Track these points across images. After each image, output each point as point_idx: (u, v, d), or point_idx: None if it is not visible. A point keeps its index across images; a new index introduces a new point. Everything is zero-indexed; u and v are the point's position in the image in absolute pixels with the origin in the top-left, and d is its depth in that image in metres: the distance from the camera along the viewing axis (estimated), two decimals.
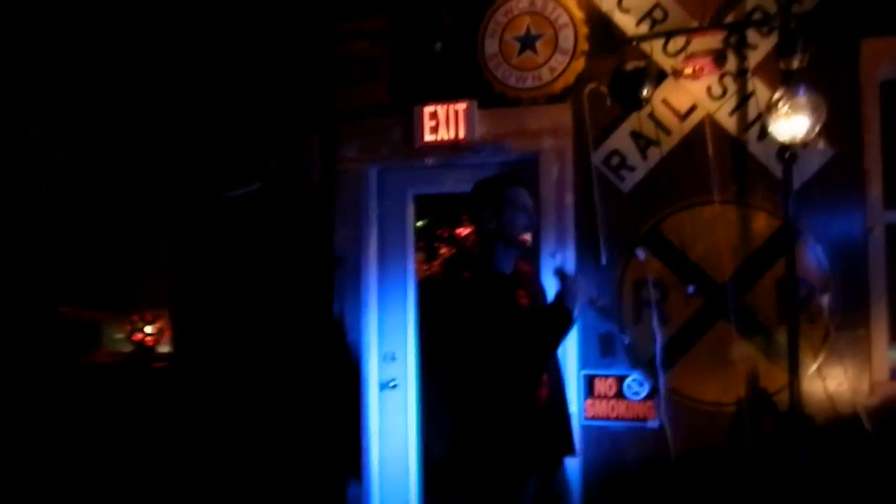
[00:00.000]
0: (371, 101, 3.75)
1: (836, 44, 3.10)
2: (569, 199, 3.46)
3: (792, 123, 2.71)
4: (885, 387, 3.08)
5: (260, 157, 3.89)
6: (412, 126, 3.63)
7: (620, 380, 3.39)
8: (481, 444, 2.55)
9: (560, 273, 2.65)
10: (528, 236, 2.65)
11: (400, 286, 3.85)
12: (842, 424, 3.06)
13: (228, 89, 3.97)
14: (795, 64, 2.76)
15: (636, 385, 3.38)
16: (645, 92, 3.13)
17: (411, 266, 3.89)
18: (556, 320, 2.56)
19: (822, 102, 2.70)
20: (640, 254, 3.33)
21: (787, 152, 2.97)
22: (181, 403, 3.95)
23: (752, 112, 3.25)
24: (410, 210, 3.89)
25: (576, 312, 2.56)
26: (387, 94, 3.73)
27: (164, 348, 4.40)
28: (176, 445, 3.92)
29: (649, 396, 3.35)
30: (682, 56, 3.30)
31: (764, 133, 3.23)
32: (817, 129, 2.73)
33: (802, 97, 2.68)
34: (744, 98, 3.26)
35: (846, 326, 3.12)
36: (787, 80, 2.81)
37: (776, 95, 2.75)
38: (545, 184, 3.50)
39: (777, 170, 3.21)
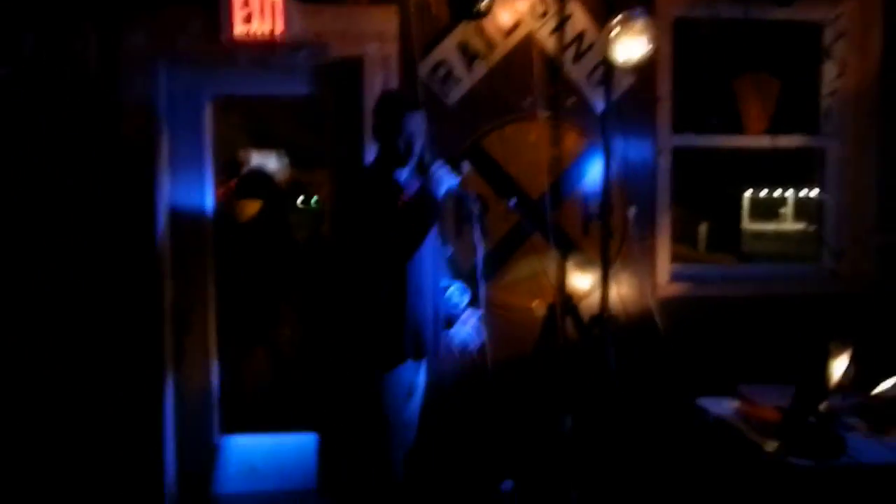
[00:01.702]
0: None
1: None
2: None
3: (629, 46, 2.90)
4: (667, 288, 3.57)
5: (8, 37, 3.11)
6: (218, 14, 3.17)
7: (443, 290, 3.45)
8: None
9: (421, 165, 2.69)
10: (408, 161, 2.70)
11: (194, 198, 3.44)
12: (634, 322, 3.50)
13: None
14: None
15: (458, 294, 3.46)
16: (483, 4, 3.10)
17: (208, 179, 3.49)
18: (422, 208, 2.58)
19: (654, 28, 2.92)
20: (464, 167, 3.37)
21: (604, 74, 3.21)
22: None
23: (569, 34, 3.42)
24: (207, 113, 3.45)
25: (439, 196, 2.61)
26: None
27: None
28: None
29: (470, 306, 3.48)
30: None
31: (579, 55, 3.45)
32: (651, 52, 2.95)
33: (640, 21, 2.87)
34: (563, 19, 3.41)
35: (638, 237, 3.52)
36: (626, 4, 3.00)
37: (617, 18, 2.90)
38: (369, 91, 3.30)
39: (589, 91, 3.45)
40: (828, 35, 3.71)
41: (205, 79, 3.42)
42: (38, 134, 3.16)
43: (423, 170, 2.67)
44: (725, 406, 2.61)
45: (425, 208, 2.58)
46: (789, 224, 23.75)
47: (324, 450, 3.55)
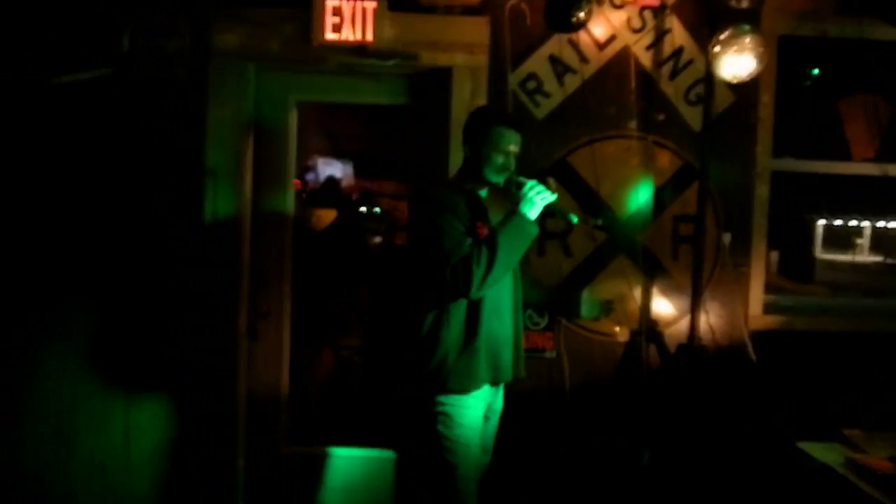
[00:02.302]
0: None
1: None
2: None
3: (737, 62, 2.75)
4: (759, 320, 3.38)
5: (109, 36, 3.14)
6: (310, 20, 3.14)
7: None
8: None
9: (513, 181, 2.48)
10: (499, 179, 2.51)
11: (277, 204, 3.41)
12: (725, 353, 3.31)
13: None
14: (745, 3, 2.80)
15: (536, 315, 3.34)
16: (582, 14, 2.99)
17: (289, 185, 3.45)
18: (511, 225, 2.39)
19: (765, 44, 2.77)
20: (550, 184, 3.25)
21: (704, 92, 3.08)
22: None
23: (666, 49, 3.29)
24: (293, 118, 3.43)
25: (534, 217, 2.42)
26: None
27: None
28: None
29: (548, 327, 3.35)
30: None
31: (676, 72, 3.30)
32: (759, 70, 2.80)
33: (749, 37, 2.72)
34: (661, 34, 3.28)
35: (732, 265, 3.35)
36: (731, 19, 2.85)
37: (725, 33, 2.76)
38: (456, 101, 3.23)
39: (684, 109, 3.31)
40: None
41: (293, 83, 3.39)
42: (133, 133, 3.19)
43: (513, 186, 2.48)
44: (831, 453, 2.42)
45: (517, 229, 2.40)
46: (864, 255, 22.87)
47: (402, 470, 3.45)
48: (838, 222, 21.46)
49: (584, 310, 3.22)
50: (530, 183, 2.44)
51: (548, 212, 2.48)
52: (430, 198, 2.51)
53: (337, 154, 5.81)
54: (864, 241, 23.32)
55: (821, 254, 17.89)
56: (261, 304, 3.40)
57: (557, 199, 2.46)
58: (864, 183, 3.60)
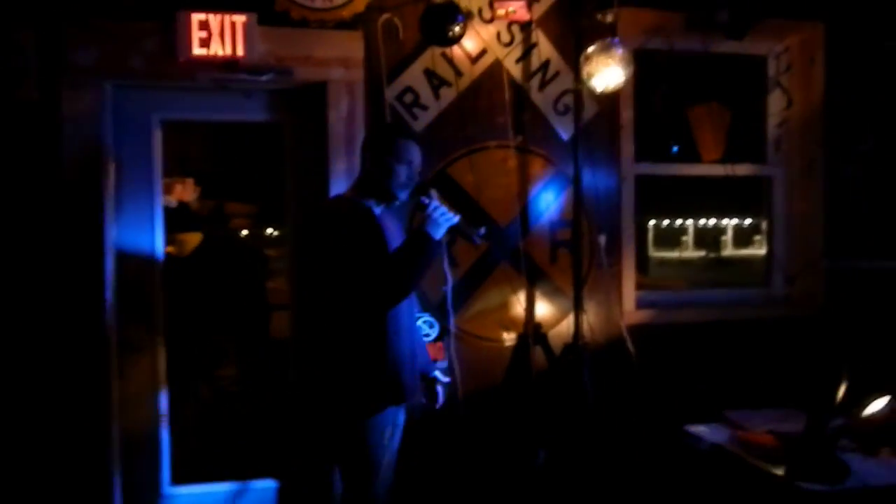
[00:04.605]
0: None
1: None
2: (359, 135, 3.21)
3: (606, 74, 2.91)
4: (633, 315, 3.57)
5: None
6: (174, 35, 2.98)
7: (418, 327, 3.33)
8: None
9: (419, 203, 2.48)
10: (403, 194, 2.50)
11: (143, 234, 3.21)
12: (606, 349, 3.47)
13: None
14: (610, 18, 2.97)
15: (427, 327, 3.34)
16: (457, 28, 3.04)
17: (158, 209, 3.25)
18: (418, 247, 2.38)
19: (631, 56, 2.94)
20: (426, 199, 3.25)
21: (574, 102, 3.24)
22: None
23: (534, 62, 3.42)
24: (157, 138, 3.23)
25: (439, 237, 2.42)
26: None
27: None
28: None
29: (439, 338, 3.37)
30: None
31: (544, 83, 3.44)
32: (626, 80, 2.97)
33: (618, 50, 2.88)
34: (528, 48, 3.40)
35: (607, 265, 3.52)
36: (593, 34, 3.02)
37: (593, 46, 2.91)
38: (334, 117, 3.19)
39: (553, 119, 3.46)
40: (774, 67, 3.87)
41: (157, 102, 3.20)
42: None
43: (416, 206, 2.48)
44: (720, 433, 2.60)
45: (423, 251, 2.38)
46: (690, 251, 24.97)
47: (286, 498, 3.33)
48: (665, 222, 23.20)
49: None
50: (434, 204, 2.45)
51: (452, 232, 2.50)
52: (331, 213, 2.44)
53: (183, 173, 5.53)
54: (688, 239, 25.39)
55: (652, 252, 19.31)
56: (132, 339, 3.17)
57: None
58: (685, 186, 3.96)
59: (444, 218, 2.43)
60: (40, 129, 2.94)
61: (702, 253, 23.37)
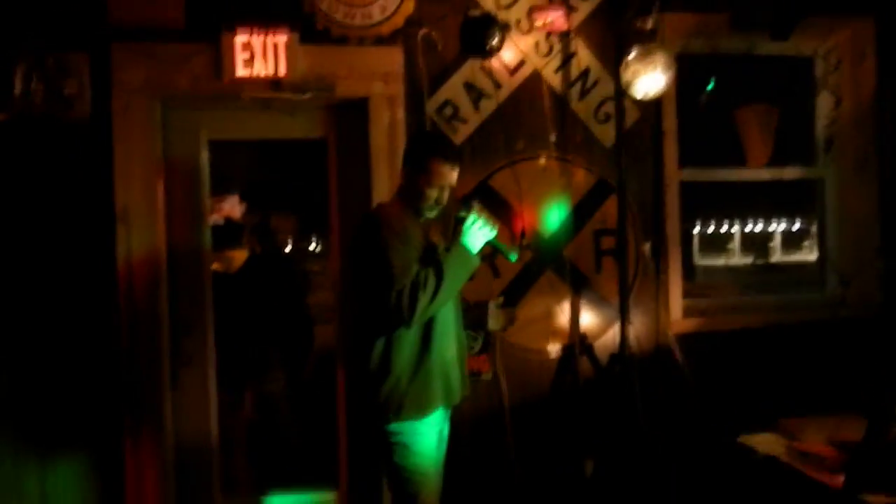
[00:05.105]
0: (159, 17, 3.04)
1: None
2: (401, 148, 3.22)
3: (648, 80, 2.88)
4: (681, 324, 3.51)
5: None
6: (219, 56, 3.05)
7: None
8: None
9: (456, 216, 2.52)
10: (431, 212, 2.55)
11: (191, 248, 3.26)
12: (653, 358, 3.42)
13: None
14: (650, 24, 2.94)
15: (470, 340, 3.33)
16: (495, 41, 3.05)
17: (206, 225, 3.31)
18: (458, 260, 2.44)
19: (672, 61, 2.91)
20: (464, 213, 3.23)
21: (616, 109, 3.20)
22: None
23: (574, 71, 3.40)
24: (205, 156, 3.31)
25: (477, 250, 2.50)
26: (182, 12, 3.07)
27: None
28: None
29: (483, 350, 3.36)
30: (513, 8, 3.30)
31: (585, 92, 3.42)
32: (668, 86, 2.94)
33: (659, 55, 2.86)
34: (567, 57, 3.39)
35: (653, 272, 3.47)
36: (634, 40, 2.99)
37: (633, 53, 2.89)
38: (376, 131, 3.23)
39: (594, 127, 3.43)
40: (822, 67, 3.79)
41: (204, 120, 3.27)
42: (36, 178, 2.99)
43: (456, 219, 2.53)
44: (774, 443, 2.54)
45: (460, 263, 2.44)
46: (737, 258, 24.46)
47: None
48: (711, 228, 22.78)
49: (491, 322, 3.23)
50: (472, 217, 2.49)
51: (489, 246, 2.58)
52: (375, 221, 2.47)
53: (229, 189, 5.62)
54: (734, 246, 24.87)
55: (698, 260, 18.94)
56: (184, 352, 3.23)
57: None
58: (730, 190, 3.89)
59: (481, 231, 2.50)
60: (91, 150, 3.03)
61: (749, 259, 22.89)
